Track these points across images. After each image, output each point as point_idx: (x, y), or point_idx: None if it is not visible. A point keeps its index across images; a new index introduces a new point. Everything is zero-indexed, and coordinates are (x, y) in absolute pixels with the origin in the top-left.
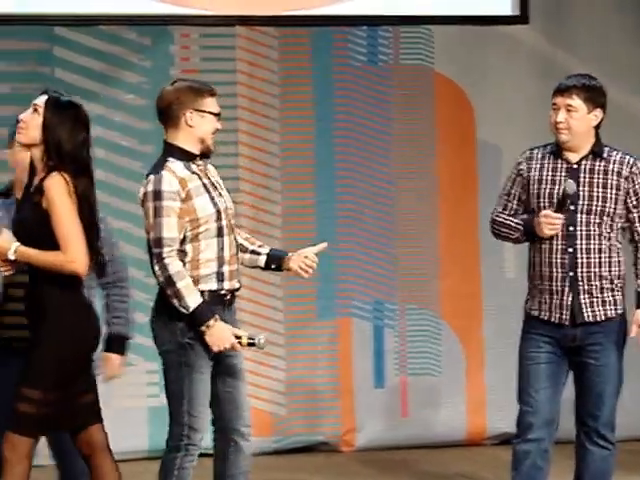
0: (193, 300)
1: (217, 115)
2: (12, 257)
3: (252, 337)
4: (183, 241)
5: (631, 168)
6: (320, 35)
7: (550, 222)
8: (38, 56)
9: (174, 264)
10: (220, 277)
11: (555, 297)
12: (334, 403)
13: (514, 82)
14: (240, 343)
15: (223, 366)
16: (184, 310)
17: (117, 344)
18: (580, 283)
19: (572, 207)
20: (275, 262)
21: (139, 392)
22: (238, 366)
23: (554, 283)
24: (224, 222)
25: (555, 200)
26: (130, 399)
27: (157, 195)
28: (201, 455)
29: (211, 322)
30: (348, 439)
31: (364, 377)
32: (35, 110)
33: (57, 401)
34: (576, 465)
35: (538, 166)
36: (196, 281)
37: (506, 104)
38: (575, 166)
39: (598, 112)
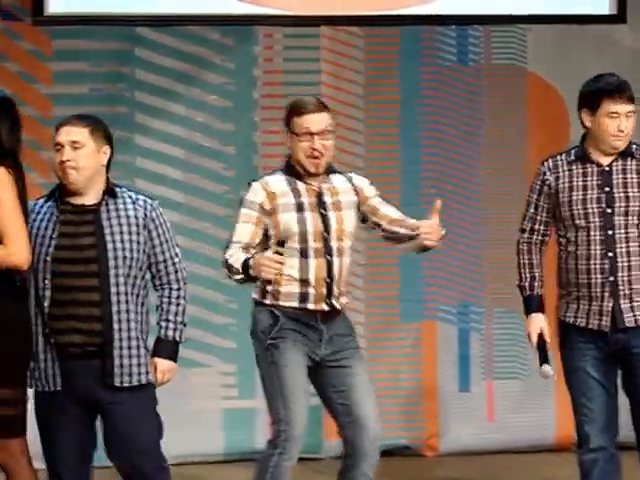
0: (238, 261)
1: (311, 134)
2: None
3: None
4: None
5: None
6: (408, 35)
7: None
8: (119, 56)
9: (229, 251)
10: (303, 298)
11: (594, 303)
12: (418, 407)
13: None
14: (278, 252)
15: (331, 376)
16: (238, 276)
17: (165, 348)
18: (621, 288)
19: (609, 210)
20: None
21: (214, 394)
22: (350, 374)
23: (593, 289)
24: (311, 244)
25: (590, 206)
26: (205, 401)
27: (241, 202)
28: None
29: (251, 262)
30: (432, 444)
31: (449, 381)
32: None
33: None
34: None
35: (567, 173)
36: (277, 296)
37: None
38: (607, 168)
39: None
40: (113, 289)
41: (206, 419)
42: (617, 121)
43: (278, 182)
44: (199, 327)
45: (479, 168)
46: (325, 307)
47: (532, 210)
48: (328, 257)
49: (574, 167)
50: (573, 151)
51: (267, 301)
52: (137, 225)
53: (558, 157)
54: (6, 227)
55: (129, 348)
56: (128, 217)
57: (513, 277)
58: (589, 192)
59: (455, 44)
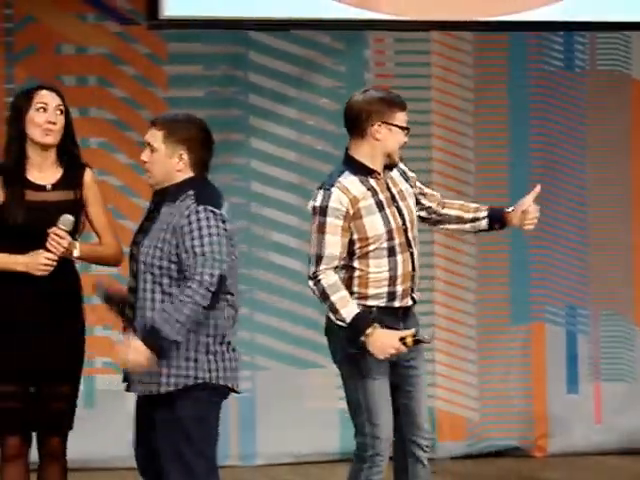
0: (348, 312)
1: (406, 129)
2: None
3: (417, 335)
4: (351, 258)
5: None
6: (516, 40)
7: None
8: (233, 60)
9: (328, 278)
10: (391, 296)
11: None
12: (527, 408)
13: None
14: (405, 344)
15: (398, 375)
16: (341, 323)
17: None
18: None
19: None
20: (497, 222)
21: (330, 394)
22: (416, 374)
23: None
24: (396, 241)
25: None
26: (321, 401)
27: (323, 211)
28: None
29: (369, 330)
30: (541, 444)
31: (557, 382)
32: None
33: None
34: None
35: None
36: (364, 298)
37: None
38: None
39: None
40: None
41: (322, 419)
42: None
43: (354, 183)
44: (315, 329)
45: (584, 172)
46: (409, 302)
47: None
48: (410, 250)
49: None
50: None
51: None
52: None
53: None
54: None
55: None
56: None
57: (619, 279)
58: None
59: (562, 50)
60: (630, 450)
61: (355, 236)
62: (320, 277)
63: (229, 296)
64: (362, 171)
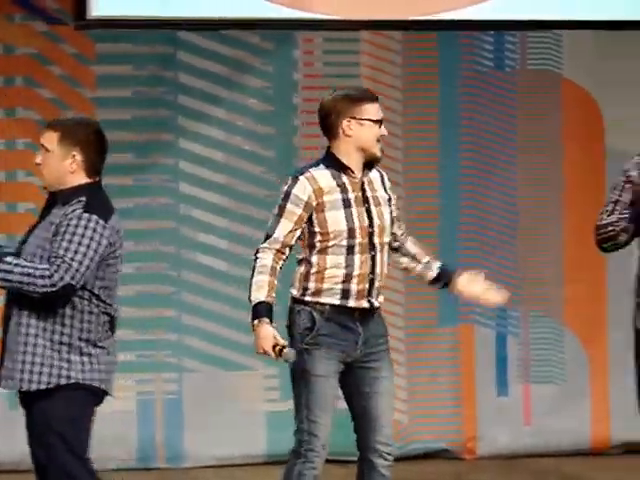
0: (255, 297)
1: (378, 122)
2: None
3: (284, 349)
4: (311, 251)
5: None
6: (446, 40)
7: None
8: (162, 60)
9: (263, 258)
10: (345, 294)
11: None
12: (456, 410)
13: None
14: (274, 351)
15: (355, 376)
16: (250, 302)
17: None
18: None
19: None
20: (443, 281)
21: (257, 396)
22: (376, 376)
23: None
24: (357, 240)
25: None
26: (248, 403)
27: (286, 196)
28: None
29: (255, 322)
30: (470, 447)
31: (486, 385)
32: None
33: None
34: None
35: None
36: (318, 294)
37: (636, 111)
38: None
39: None
40: None
41: (250, 421)
42: None
43: (324, 176)
44: (243, 331)
45: (516, 173)
46: (365, 304)
47: (611, 204)
48: (372, 253)
49: None
50: None
51: (306, 298)
52: None
53: None
54: None
55: None
56: None
57: (549, 281)
58: None
59: (492, 49)
60: (559, 452)
61: (317, 229)
62: (259, 255)
63: (106, 305)
64: (336, 166)
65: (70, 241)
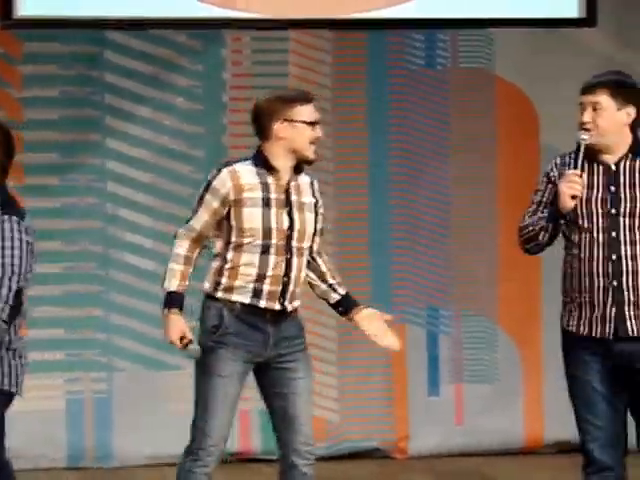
0: (168, 284)
1: (312, 123)
2: None
3: (190, 344)
4: (227, 248)
5: None
6: (375, 39)
7: (569, 180)
8: (88, 60)
9: (179, 246)
10: (256, 293)
11: (596, 310)
12: (388, 410)
13: (579, 86)
14: (181, 342)
15: (270, 377)
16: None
17: None
18: (625, 294)
19: (614, 211)
20: (344, 308)
21: (186, 396)
22: (293, 377)
23: (595, 294)
24: (273, 241)
25: (594, 206)
26: (177, 403)
27: (207, 186)
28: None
29: (165, 311)
30: (402, 446)
31: (418, 384)
32: None
33: None
34: None
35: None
36: (230, 291)
37: (570, 108)
38: (614, 168)
39: (630, 109)
40: None
41: (178, 421)
42: (582, 113)
43: (248, 173)
44: None
45: (448, 171)
46: (277, 306)
47: (534, 206)
48: (288, 256)
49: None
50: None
51: (218, 294)
52: None
53: (567, 155)
54: None
55: None
56: None
57: (482, 280)
58: (594, 191)
59: (423, 48)
60: (491, 452)
61: (233, 224)
62: (176, 240)
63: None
64: (263, 165)
65: (0, 247)
